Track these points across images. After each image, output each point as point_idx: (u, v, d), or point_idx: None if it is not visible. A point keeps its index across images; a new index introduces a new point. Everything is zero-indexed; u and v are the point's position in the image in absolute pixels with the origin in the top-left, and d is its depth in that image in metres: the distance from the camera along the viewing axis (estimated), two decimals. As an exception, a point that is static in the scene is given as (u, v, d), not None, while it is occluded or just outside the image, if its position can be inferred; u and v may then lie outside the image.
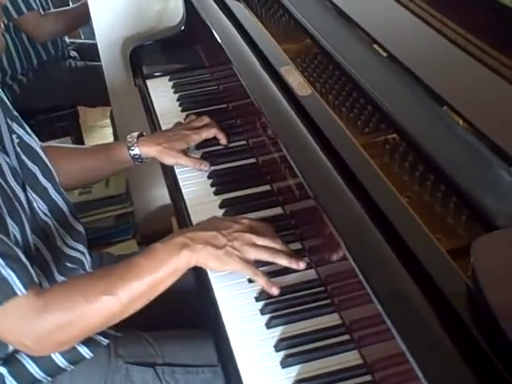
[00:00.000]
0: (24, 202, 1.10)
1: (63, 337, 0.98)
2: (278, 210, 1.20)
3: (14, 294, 0.93)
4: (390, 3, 1.25)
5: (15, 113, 1.20)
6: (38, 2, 2.47)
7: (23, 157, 1.16)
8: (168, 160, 1.34)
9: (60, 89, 2.56)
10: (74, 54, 2.72)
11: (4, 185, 1.04)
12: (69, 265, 1.20)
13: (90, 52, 2.64)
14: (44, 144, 1.30)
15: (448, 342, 0.69)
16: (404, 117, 0.99)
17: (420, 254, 0.78)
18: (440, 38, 1.11)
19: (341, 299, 0.97)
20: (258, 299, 1.03)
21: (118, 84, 2.03)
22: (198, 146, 1.38)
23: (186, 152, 1.35)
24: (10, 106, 1.20)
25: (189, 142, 1.35)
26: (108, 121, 2.99)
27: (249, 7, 1.50)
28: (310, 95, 1.14)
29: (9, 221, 1.01)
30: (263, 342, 0.96)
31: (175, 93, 1.64)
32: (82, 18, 2.46)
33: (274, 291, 1.00)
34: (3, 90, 1.22)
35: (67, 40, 2.70)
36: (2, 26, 1.12)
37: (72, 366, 1.13)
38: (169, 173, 1.37)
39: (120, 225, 2.41)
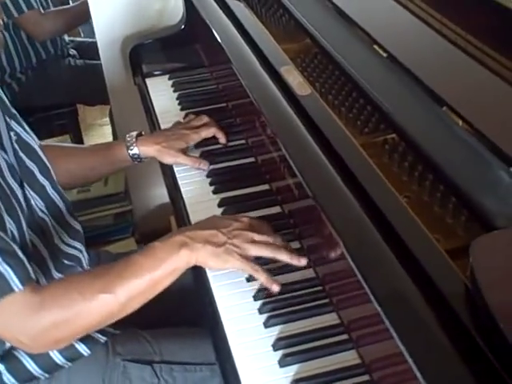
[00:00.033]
0: (21, 199, 1.09)
1: (60, 334, 0.97)
2: (276, 209, 1.20)
3: (11, 289, 0.93)
4: (390, 3, 1.25)
5: (13, 110, 1.20)
6: (38, 0, 2.47)
7: (21, 154, 1.16)
8: (167, 159, 1.34)
9: (59, 87, 2.56)
10: (73, 52, 2.72)
11: (1, 181, 1.04)
12: (66, 262, 1.20)
13: (89, 50, 2.63)
14: (43, 143, 1.30)
15: (446, 342, 0.69)
16: (403, 117, 0.99)
17: (419, 253, 0.78)
18: (440, 39, 1.11)
19: (339, 299, 0.97)
20: (256, 298, 1.02)
21: (118, 82, 2.03)
22: (197, 145, 1.38)
23: (185, 151, 1.35)
24: (9, 103, 1.20)
25: (188, 142, 1.35)
26: (107, 119, 2.99)
27: (249, 7, 1.50)
28: (310, 95, 1.14)
29: (6, 217, 1.01)
30: (261, 341, 0.96)
31: (175, 91, 1.64)
32: (82, 17, 2.46)
33: (275, 288, 1.00)
34: (2, 88, 1.22)
35: (66, 38, 2.70)
36: (1, 23, 1.11)
37: (69, 363, 1.13)
38: (168, 171, 1.37)
39: (119, 223, 2.41)
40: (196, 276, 1.09)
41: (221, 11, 1.48)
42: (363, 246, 0.85)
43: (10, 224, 1.02)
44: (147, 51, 1.75)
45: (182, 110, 1.56)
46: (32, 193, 1.15)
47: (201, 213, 1.22)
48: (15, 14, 2.39)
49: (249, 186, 1.27)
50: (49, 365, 1.11)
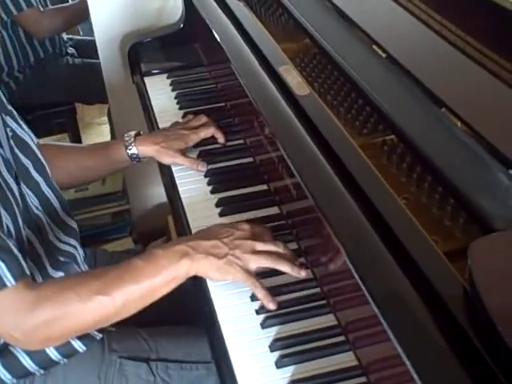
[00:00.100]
0: (17, 194, 1.09)
1: (52, 332, 0.97)
2: (274, 210, 1.19)
3: (4, 285, 0.93)
4: (390, 4, 1.25)
5: (9, 107, 1.20)
6: (37, -2, 2.47)
7: (16, 150, 1.16)
8: (166, 160, 1.33)
9: (57, 86, 2.56)
10: (71, 50, 2.72)
11: None
12: (61, 259, 1.20)
13: (88, 48, 2.63)
14: (42, 142, 1.29)
15: (444, 345, 0.69)
16: (402, 118, 0.99)
17: (417, 255, 0.78)
18: (439, 40, 1.11)
19: (337, 300, 0.96)
20: (253, 299, 1.02)
21: (116, 81, 2.02)
22: (195, 145, 1.38)
23: (184, 152, 1.34)
24: (5, 100, 1.19)
25: (187, 142, 1.35)
26: (105, 118, 2.99)
27: (248, 6, 1.50)
28: (309, 95, 1.13)
29: (2, 211, 1.01)
30: (258, 342, 0.96)
31: (173, 90, 1.64)
32: (81, 15, 2.45)
33: (271, 306, 0.99)
34: (-1, 87, 1.22)
35: (65, 36, 2.70)
36: None
37: (65, 360, 1.13)
38: (166, 171, 1.37)
39: (116, 222, 2.41)
40: (194, 276, 1.09)
41: (220, 10, 1.48)
42: (361, 247, 0.85)
43: (5, 218, 1.02)
44: (146, 50, 1.75)
45: (180, 109, 1.56)
46: (27, 189, 1.15)
47: (198, 213, 1.22)
48: (14, 12, 2.39)
49: (247, 186, 1.27)
50: (44, 361, 1.11)
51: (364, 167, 0.95)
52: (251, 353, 0.95)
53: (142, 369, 1.14)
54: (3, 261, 0.93)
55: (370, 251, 0.83)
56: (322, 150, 1.01)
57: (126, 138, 1.33)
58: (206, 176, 1.32)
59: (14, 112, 1.21)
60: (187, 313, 1.22)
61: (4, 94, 1.20)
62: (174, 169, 1.34)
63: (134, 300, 0.98)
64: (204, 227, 1.10)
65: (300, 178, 1.00)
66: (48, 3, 2.59)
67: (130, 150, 1.32)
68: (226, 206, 1.22)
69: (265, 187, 1.26)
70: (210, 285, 1.06)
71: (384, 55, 1.12)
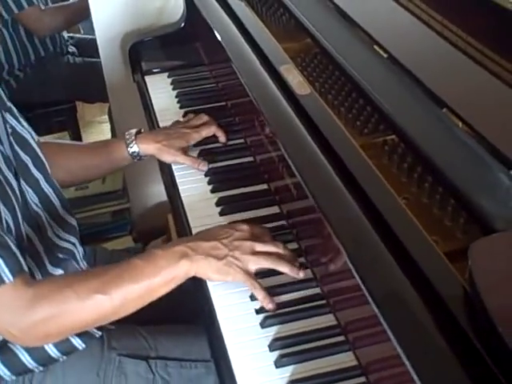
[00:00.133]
0: (17, 190, 1.09)
1: (50, 330, 0.97)
2: (274, 209, 1.19)
3: (2, 281, 0.93)
4: (391, 4, 1.25)
5: (9, 104, 1.20)
6: (38, -4, 2.47)
7: (16, 147, 1.15)
8: (167, 158, 1.33)
9: (58, 84, 2.56)
10: (72, 49, 2.72)
11: None
12: (60, 256, 1.20)
13: (89, 47, 2.63)
14: (43, 140, 1.29)
15: (444, 345, 0.69)
16: (403, 118, 0.99)
17: (417, 255, 0.78)
18: (440, 41, 1.11)
19: (336, 300, 0.96)
20: (253, 298, 1.02)
21: (117, 80, 2.02)
22: (196, 144, 1.38)
23: (185, 150, 1.34)
24: (5, 97, 1.19)
25: (189, 141, 1.35)
26: (106, 117, 2.98)
27: (249, 5, 1.50)
28: (309, 94, 1.13)
29: (2, 208, 1.01)
30: (257, 342, 0.96)
31: (174, 89, 1.64)
32: (82, 13, 2.45)
33: (270, 307, 0.99)
34: (-1, 85, 1.22)
35: (66, 35, 2.70)
36: None
37: (64, 357, 1.13)
38: (166, 169, 1.37)
39: (116, 221, 2.41)
40: (193, 276, 1.09)
41: (221, 10, 1.48)
42: (361, 247, 0.85)
43: (5, 214, 1.02)
44: (147, 49, 1.75)
45: (181, 108, 1.56)
46: (26, 186, 1.15)
47: (199, 212, 1.22)
48: (15, 11, 2.39)
49: (247, 186, 1.26)
50: (44, 358, 1.11)
51: (365, 167, 0.95)
52: (250, 352, 0.94)
53: (142, 367, 1.14)
54: (1, 257, 0.94)
55: (371, 251, 0.83)
56: (322, 149, 1.01)
57: (127, 136, 1.33)
58: (206, 175, 1.31)
59: (14, 109, 1.21)
60: (187, 311, 1.22)
61: (4, 92, 1.20)
62: (174, 167, 1.34)
63: (132, 299, 0.98)
64: (204, 226, 1.10)
65: (300, 177, 1.00)
66: (49, 1, 2.59)
67: (131, 148, 1.32)
68: (226, 205, 1.22)
69: (265, 187, 1.25)
70: (210, 284, 1.05)
71: (385, 55, 1.12)
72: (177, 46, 1.74)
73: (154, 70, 1.73)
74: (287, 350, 0.94)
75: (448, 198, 0.88)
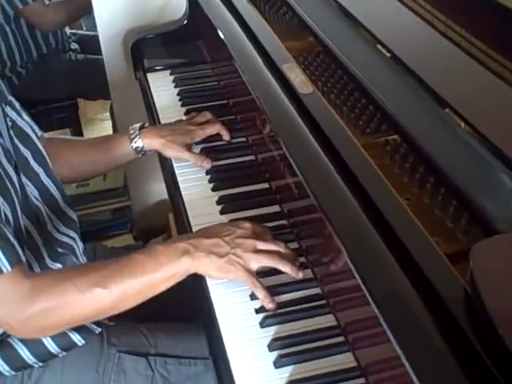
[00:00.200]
0: (16, 184, 1.09)
1: (48, 322, 0.97)
2: (275, 208, 1.19)
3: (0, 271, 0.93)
4: (394, 4, 1.25)
5: (10, 97, 1.19)
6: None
7: (16, 141, 1.15)
8: (171, 153, 1.33)
9: (59, 81, 2.55)
10: (74, 46, 2.71)
11: None
12: (60, 250, 1.20)
13: (91, 44, 2.62)
14: (46, 135, 1.29)
15: (444, 347, 0.68)
16: (405, 118, 0.98)
17: (418, 256, 0.78)
18: (444, 41, 1.10)
19: (337, 300, 0.96)
20: (252, 298, 1.02)
21: (119, 77, 2.02)
22: (197, 142, 1.37)
23: (189, 147, 1.34)
24: (5, 90, 1.19)
25: (193, 138, 1.34)
26: (108, 114, 2.98)
27: (252, 3, 1.49)
28: (312, 93, 1.13)
29: (1, 200, 1.01)
30: (257, 341, 0.95)
31: (176, 87, 1.63)
32: (85, 9, 2.45)
33: (271, 306, 0.99)
34: (2, 81, 1.21)
35: (68, 32, 2.70)
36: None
37: (64, 353, 1.13)
38: (167, 167, 1.37)
39: (117, 218, 2.41)
40: (194, 273, 1.08)
41: (224, 8, 1.48)
42: (362, 248, 0.85)
43: (4, 206, 1.02)
44: (149, 46, 1.75)
45: (182, 105, 1.55)
46: (26, 180, 1.15)
47: (199, 210, 1.22)
48: (20, 6, 2.39)
49: (248, 184, 1.26)
50: (43, 353, 1.11)
51: (366, 167, 0.94)
52: (250, 352, 0.94)
53: (141, 364, 1.14)
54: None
55: (371, 251, 0.83)
56: (324, 148, 1.00)
57: (131, 131, 1.32)
58: (207, 173, 1.31)
59: (15, 102, 1.20)
60: (186, 309, 1.21)
61: (6, 87, 1.20)
62: (175, 165, 1.34)
63: (132, 294, 0.98)
64: (205, 225, 1.10)
65: (302, 176, 1.00)
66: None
67: (135, 142, 1.31)
68: (227, 204, 1.22)
69: (266, 185, 1.25)
70: (210, 283, 1.05)
71: (388, 55, 1.12)
72: (179, 44, 1.74)
73: (156, 68, 1.73)
74: (286, 350, 0.93)
75: (450, 199, 0.88)
